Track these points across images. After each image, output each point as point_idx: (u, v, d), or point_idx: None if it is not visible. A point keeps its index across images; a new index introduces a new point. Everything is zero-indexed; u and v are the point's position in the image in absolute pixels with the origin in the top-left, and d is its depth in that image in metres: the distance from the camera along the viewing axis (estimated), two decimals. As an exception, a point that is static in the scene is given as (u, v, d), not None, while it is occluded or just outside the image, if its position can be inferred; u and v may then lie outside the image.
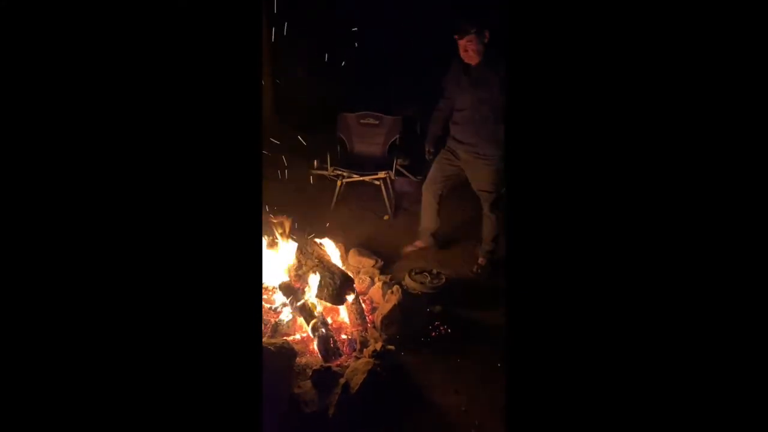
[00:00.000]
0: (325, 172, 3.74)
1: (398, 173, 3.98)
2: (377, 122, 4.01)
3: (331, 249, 2.86)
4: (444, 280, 2.80)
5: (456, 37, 2.62)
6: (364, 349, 2.23)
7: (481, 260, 3.10)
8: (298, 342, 2.28)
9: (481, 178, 2.86)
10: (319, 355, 2.22)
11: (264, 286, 2.62)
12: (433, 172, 3.04)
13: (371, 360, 2.09)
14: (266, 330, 2.33)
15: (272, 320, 2.38)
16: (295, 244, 2.56)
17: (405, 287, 2.67)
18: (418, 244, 3.27)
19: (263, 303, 2.54)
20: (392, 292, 2.51)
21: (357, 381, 1.99)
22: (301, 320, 2.35)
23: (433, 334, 2.47)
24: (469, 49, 2.62)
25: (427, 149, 3.13)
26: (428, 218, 3.15)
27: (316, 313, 2.34)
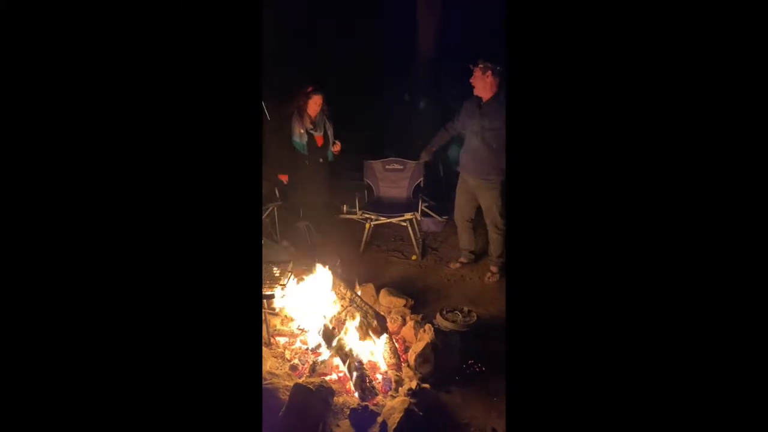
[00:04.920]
0: (353, 216, 3.87)
1: (424, 214, 4.09)
2: (401, 167, 4.16)
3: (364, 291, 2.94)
4: (475, 318, 2.83)
5: (471, 66, 3.14)
6: (400, 388, 2.27)
7: (493, 268, 3.54)
8: (335, 381, 2.33)
9: (488, 199, 3.34)
10: (356, 395, 2.26)
11: (300, 327, 2.70)
12: (456, 202, 3.56)
13: (407, 398, 2.12)
14: (304, 370, 2.40)
15: (310, 360, 2.44)
16: (332, 293, 2.65)
17: (437, 326, 2.71)
18: (462, 260, 3.74)
19: (300, 344, 2.61)
20: (424, 331, 2.55)
21: (394, 420, 2.02)
22: (337, 360, 2.41)
23: (467, 372, 2.49)
24: (486, 82, 3.13)
25: (422, 154, 3.76)
26: (465, 240, 3.68)
27: (350, 352, 2.40)
